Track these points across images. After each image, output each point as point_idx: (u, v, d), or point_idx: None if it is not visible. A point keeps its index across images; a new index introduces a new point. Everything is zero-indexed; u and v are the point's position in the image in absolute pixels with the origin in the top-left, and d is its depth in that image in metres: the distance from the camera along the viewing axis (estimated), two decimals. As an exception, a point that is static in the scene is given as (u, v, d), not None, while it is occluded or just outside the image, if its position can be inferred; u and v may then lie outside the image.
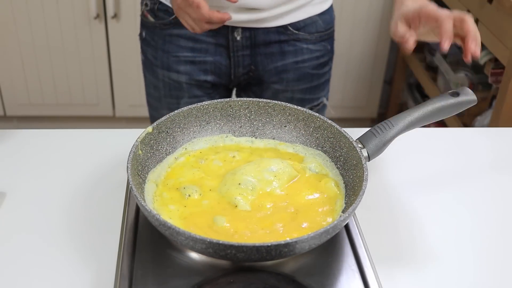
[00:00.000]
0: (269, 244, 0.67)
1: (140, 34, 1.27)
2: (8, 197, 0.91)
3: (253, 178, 0.82)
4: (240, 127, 0.93)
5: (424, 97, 2.42)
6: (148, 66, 1.28)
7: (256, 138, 0.93)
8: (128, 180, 0.76)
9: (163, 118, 0.87)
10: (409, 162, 1.02)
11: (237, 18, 1.13)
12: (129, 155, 0.79)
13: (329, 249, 0.78)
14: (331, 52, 1.30)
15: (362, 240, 0.79)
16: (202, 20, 1.00)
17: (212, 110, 0.91)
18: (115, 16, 2.39)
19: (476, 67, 2.06)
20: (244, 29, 1.17)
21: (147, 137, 0.84)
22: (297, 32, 1.20)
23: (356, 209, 0.86)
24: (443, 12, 0.87)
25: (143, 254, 0.76)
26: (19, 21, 2.41)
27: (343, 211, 0.79)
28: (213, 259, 0.75)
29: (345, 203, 0.80)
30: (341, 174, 0.85)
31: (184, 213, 0.78)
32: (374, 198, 0.93)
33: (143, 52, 1.28)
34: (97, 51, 2.49)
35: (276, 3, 1.13)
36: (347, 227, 0.81)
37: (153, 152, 0.86)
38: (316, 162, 0.88)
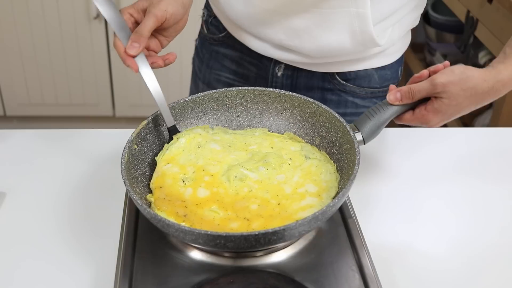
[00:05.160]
0: (257, 233, 0.67)
1: (196, 41, 1.25)
2: (8, 197, 0.91)
3: (249, 171, 0.82)
4: (237, 116, 0.93)
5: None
6: (193, 75, 1.27)
7: (251, 128, 0.93)
8: (121, 174, 0.76)
9: (158, 111, 0.87)
10: (409, 162, 1.01)
11: (280, 55, 1.06)
12: (124, 150, 0.80)
13: (329, 249, 0.78)
14: None
15: (362, 240, 0.79)
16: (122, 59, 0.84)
17: (208, 101, 0.91)
18: (115, 16, 2.39)
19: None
20: (287, 66, 1.08)
21: (143, 131, 0.85)
22: (344, 82, 1.08)
23: (356, 209, 0.86)
24: (426, 84, 0.84)
25: (143, 254, 0.76)
26: (19, 21, 2.41)
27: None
28: (213, 259, 0.76)
29: (339, 189, 0.80)
30: (337, 159, 0.85)
31: (182, 203, 0.79)
32: (374, 198, 0.93)
33: (193, 59, 1.27)
34: (97, 51, 2.49)
35: (322, 55, 1.02)
36: (347, 227, 0.81)
37: (149, 146, 0.86)
38: (310, 149, 0.88)
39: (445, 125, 2.12)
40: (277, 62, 1.09)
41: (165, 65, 0.87)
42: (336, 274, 0.74)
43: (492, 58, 1.85)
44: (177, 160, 0.85)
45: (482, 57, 1.93)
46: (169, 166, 0.84)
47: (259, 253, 0.76)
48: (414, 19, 1.07)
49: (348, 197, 0.86)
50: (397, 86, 1.15)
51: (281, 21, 0.99)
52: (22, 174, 0.96)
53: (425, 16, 2.35)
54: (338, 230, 0.81)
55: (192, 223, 0.75)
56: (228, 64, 1.16)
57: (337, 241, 0.79)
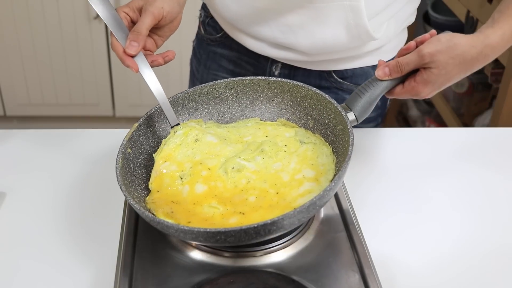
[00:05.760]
0: (256, 225, 0.66)
1: (193, 42, 1.25)
2: (8, 197, 0.91)
3: (246, 161, 0.82)
4: (229, 108, 0.92)
5: (424, 97, 2.42)
6: (191, 76, 1.27)
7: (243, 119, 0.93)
8: (117, 179, 0.76)
9: (149, 112, 0.87)
10: (410, 163, 1.01)
11: (276, 53, 1.06)
12: (117, 155, 0.79)
13: (329, 249, 0.78)
14: (381, 108, 1.15)
15: (362, 240, 0.79)
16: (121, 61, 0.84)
17: (198, 96, 0.91)
18: (115, 16, 2.39)
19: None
20: (284, 65, 1.08)
21: (135, 134, 0.84)
22: (341, 81, 1.08)
23: (356, 209, 0.86)
24: (414, 56, 0.83)
25: (143, 254, 0.77)
26: (19, 21, 2.41)
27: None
28: (213, 259, 0.76)
29: (336, 171, 0.80)
30: (332, 141, 0.84)
31: (183, 200, 0.78)
32: (375, 198, 0.93)
33: (191, 60, 1.27)
34: (97, 51, 2.49)
35: (318, 51, 1.01)
36: (347, 227, 0.81)
37: (143, 147, 0.85)
38: (304, 133, 0.88)
39: (445, 125, 2.11)
40: (274, 61, 1.09)
41: (165, 62, 0.87)
42: (336, 274, 0.74)
43: (492, 58, 1.85)
44: (174, 157, 0.84)
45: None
46: (167, 165, 0.83)
47: (259, 253, 0.77)
48: (409, 15, 1.07)
49: (348, 197, 0.86)
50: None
51: (275, 18, 0.99)
52: (22, 174, 0.96)
53: (425, 16, 2.35)
54: (338, 230, 0.81)
55: (179, 221, 0.74)
56: (225, 64, 1.16)
57: (337, 241, 0.79)
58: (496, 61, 1.79)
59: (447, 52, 0.82)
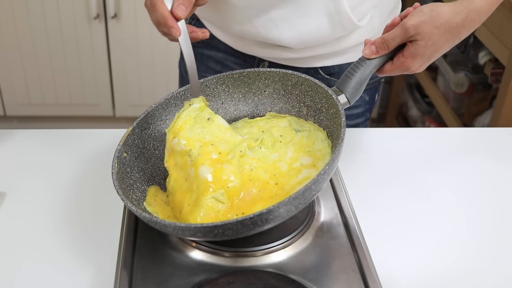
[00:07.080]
0: (252, 216, 0.66)
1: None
2: (8, 197, 0.91)
3: (247, 148, 0.80)
4: (222, 103, 0.92)
5: (424, 97, 2.42)
6: (180, 78, 1.28)
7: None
8: (113, 184, 0.76)
9: (142, 115, 0.86)
10: (410, 163, 1.02)
11: (262, 52, 1.06)
12: (113, 160, 0.79)
13: (329, 249, 0.78)
14: (369, 103, 1.17)
15: (362, 240, 0.79)
16: (156, 24, 0.81)
17: (190, 94, 0.90)
18: (115, 16, 2.39)
19: (476, 67, 2.06)
20: (271, 63, 1.09)
21: (130, 138, 0.83)
22: (328, 77, 1.09)
23: (356, 209, 0.86)
24: (398, 30, 0.82)
25: (143, 254, 0.77)
26: (19, 21, 2.41)
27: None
28: (213, 259, 0.76)
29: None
30: (326, 126, 0.84)
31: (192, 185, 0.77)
32: (375, 198, 0.93)
33: (179, 63, 1.27)
34: (97, 51, 2.49)
35: (303, 44, 1.02)
36: (347, 227, 0.81)
37: (140, 151, 0.85)
38: (298, 121, 0.87)
39: (445, 125, 2.11)
40: (260, 60, 1.10)
41: (202, 38, 0.84)
42: (336, 274, 0.74)
43: (492, 58, 1.85)
44: (184, 133, 0.80)
45: (482, 57, 1.93)
46: (176, 141, 0.80)
47: (259, 253, 0.77)
48: (393, 7, 1.07)
49: (348, 197, 0.87)
50: (380, 83, 1.16)
51: (257, 15, 0.99)
52: (22, 174, 0.96)
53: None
54: (338, 230, 0.81)
55: None
56: (213, 66, 1.16)
57: (337, 241, 0.79)
58: (496, 61, 1.79)
59: (431, 22, 0.81)
